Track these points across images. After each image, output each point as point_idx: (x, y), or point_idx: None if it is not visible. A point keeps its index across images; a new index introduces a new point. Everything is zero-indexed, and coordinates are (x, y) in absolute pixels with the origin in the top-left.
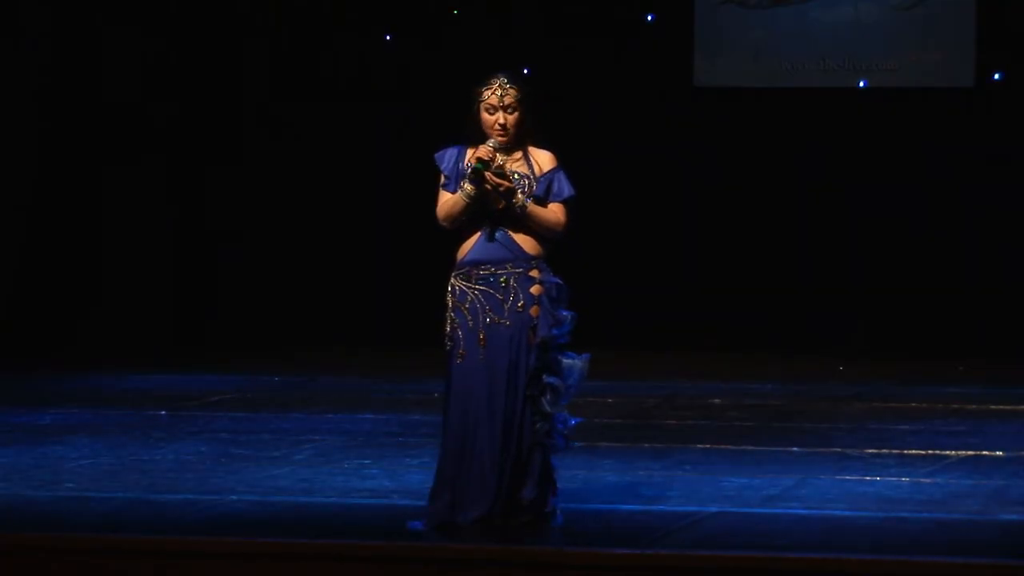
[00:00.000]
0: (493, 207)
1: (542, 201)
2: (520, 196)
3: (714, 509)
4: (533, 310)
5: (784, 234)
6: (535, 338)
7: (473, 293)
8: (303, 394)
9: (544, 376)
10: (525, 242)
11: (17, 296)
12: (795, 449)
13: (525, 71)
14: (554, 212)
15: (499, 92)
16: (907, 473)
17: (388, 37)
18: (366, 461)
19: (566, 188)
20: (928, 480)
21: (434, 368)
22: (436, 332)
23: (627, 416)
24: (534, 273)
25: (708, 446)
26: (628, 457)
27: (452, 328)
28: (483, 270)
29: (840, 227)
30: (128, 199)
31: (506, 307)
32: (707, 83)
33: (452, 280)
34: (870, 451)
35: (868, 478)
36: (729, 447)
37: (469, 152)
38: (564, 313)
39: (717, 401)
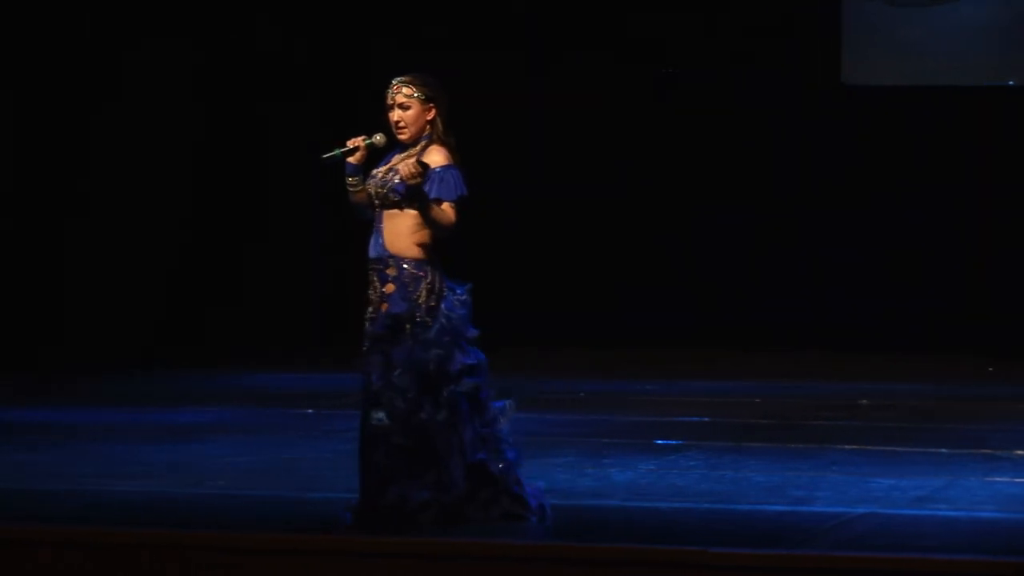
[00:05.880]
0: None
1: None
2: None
3: (862, 510)
4: (383, 306)
5: (929, 233)
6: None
7: (371, 288)
8: None
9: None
10: (390, 242)
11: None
12: (943, 450)
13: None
14: (444, 211)
15: (391, 91)
16: None
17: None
18: None
19: (435, 189)
20: None
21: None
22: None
23: (773, 416)
24: (390, 271)
25: (855, 447)
26: (775, 457)
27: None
28: (368, 267)
29: (1004, 222)
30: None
31: (376, 302)
32: (855, 81)
33: None
34: (1020, 452)
35: (1018, 480)
36: (877, 448)
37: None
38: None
39: (864, 402)
